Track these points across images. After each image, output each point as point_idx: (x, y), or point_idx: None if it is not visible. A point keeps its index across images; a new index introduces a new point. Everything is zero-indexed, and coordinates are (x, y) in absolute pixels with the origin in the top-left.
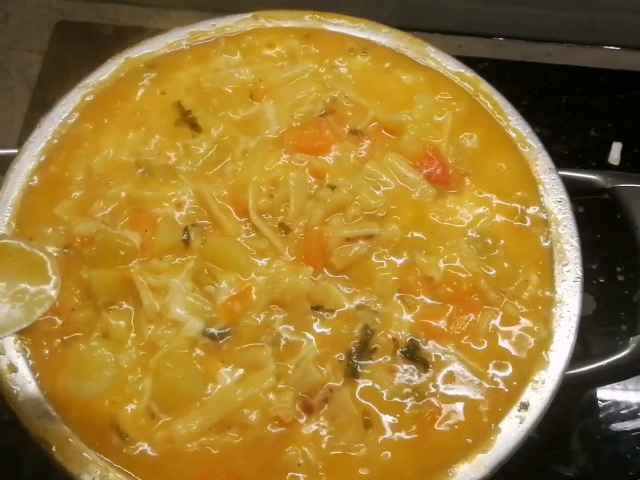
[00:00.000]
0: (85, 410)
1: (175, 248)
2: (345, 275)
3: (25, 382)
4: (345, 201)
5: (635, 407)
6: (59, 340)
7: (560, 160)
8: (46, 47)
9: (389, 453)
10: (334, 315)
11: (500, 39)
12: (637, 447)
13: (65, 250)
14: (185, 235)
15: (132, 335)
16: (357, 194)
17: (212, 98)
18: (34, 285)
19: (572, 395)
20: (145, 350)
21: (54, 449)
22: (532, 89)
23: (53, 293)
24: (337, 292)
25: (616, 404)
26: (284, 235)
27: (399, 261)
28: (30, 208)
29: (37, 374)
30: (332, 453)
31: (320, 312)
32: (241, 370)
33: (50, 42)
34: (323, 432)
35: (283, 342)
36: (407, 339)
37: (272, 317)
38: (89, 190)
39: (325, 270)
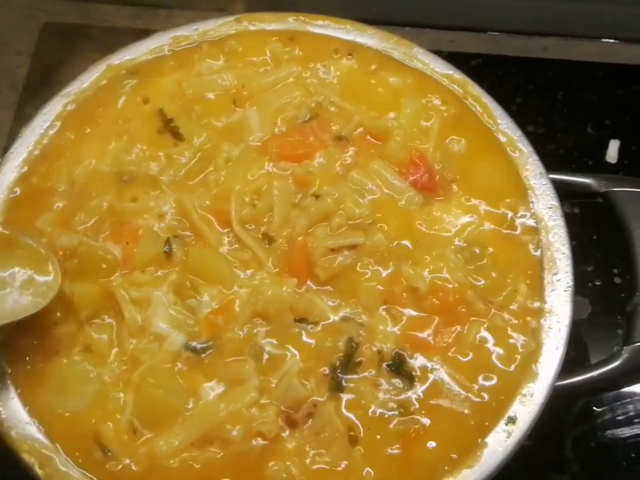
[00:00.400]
0: (68, 425)
1: (157, 260)
2: (329, 287)
3: (8, 398)
4: (329, 210)
5: (632, 414)
6: (40, 355)
7: (555, 160)
8: (33, 49)
9: (373, 470)
10: (319, 328)
11: (495, 33)
12: (633, 455)
13: None
14: (167, 247)
15: (115, 349)
16: (341, 202)
17: (194, 105)
18: (39, 277)
19: (567, 402)
20: (128, 365)
21: (37, 465)
22: (526, 85)
23: (56, 286)
24: (322, 303)
25: (612, 410)
26: (267, 245)
27: (385, 272)
28: (12, 220)
29: (19, 390)
30: (316, 468)
31: (304, 325)
32: (224, 385)
33: (38, 45)
34: (307, 447)
35: (266, 356)
36: (393, 352)
37: (255, 330)
38: (71, 202)
39: (309, 281)
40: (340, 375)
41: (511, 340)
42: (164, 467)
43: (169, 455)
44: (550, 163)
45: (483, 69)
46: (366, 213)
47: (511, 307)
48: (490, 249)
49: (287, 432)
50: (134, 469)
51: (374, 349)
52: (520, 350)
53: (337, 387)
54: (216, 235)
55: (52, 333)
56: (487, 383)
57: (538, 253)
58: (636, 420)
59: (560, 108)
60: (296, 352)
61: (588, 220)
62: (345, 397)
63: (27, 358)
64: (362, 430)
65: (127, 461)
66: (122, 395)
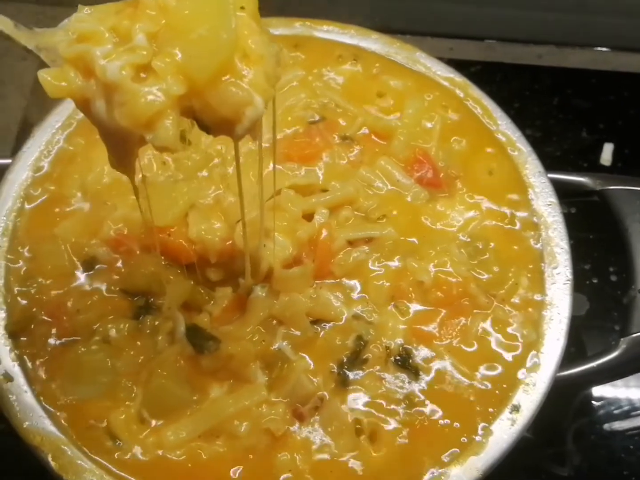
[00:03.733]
0: (79, 414)
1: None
2: (342, 280)
3: (21, 392)
4: (339, 202)
5: (630, 407)
6: (58, 343)
7: (551, 162)
8: None
9: (380, 459)
10: (330, 325)
11: (492, 41)
12: (631, 447)
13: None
14: None
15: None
16: (351, 196)
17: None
18: None
19: (567, 395)
20: (144, 356)
21: (50, 457)
22: (523, 91)
23: None
24: (338, 304)
25: (610, 403)
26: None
27: (393, 266)
28: (26, 226)
29: (34, 379)
30: (322, 460)
31: (317, 326)
32: (231, 382)
33: None
34: (314, 439)
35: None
36: (400, 347)
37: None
38: (89, 210)
39: (324, 279)
40: (346, 370)
41: (513, 332)
42: (170, 457)
43: (176, 446)
44: (548, 165)
45: (481, 76)
46: (374, 206)
47: (513, 299)
48: (492, 244)
49: (296, 425)
50: (142, 458)
51: (382, 345)
52: (522, 341)
53: (343, 382)
54: None
55: (73, 320)
56: (491, 372)
57: (538, 248)
58: (633, 413)
59: (555, 113)
60: (306, 355)
61: (584, 221)
62: (351, 391)
63: (45, 345)
64: (368, 423)
65: (135, 450)
66: (134, 385)
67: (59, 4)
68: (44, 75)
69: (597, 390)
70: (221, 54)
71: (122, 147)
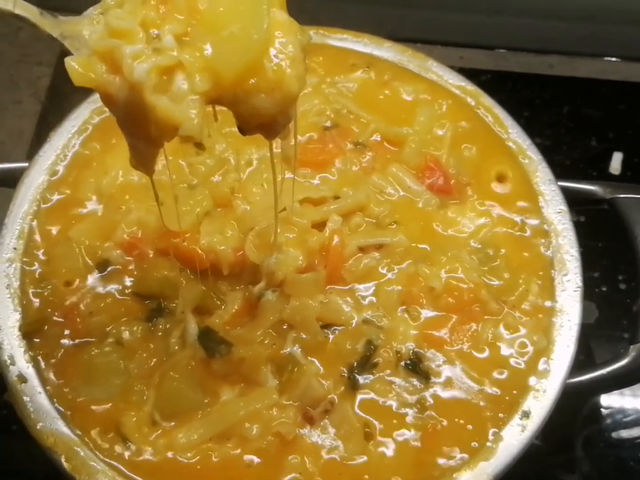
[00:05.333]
0: (91, 415)
1: None
2: (352, 286)
3: (35, 393)
4: (350, 209)
5: (638, 415)
6: (71, 344)
7: (561, 170)
8: (56, 60)
9: (390, 464)
10: (340, 329)
11: (502, 50)
12: None
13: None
14: None
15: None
16: (362, 202)
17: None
18: None
19: (576, 403)
20: (156, 358)
21: (62, 458)
22: (533, 100)
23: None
24: (348, 309)
25: (620, 411)
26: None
27: (404, 272)
28: (41, 230)
29: (48, 380)
30: (332, 463)
31: (327, 331)
32: (242, 385)
33: (60, 56)
34: (324, 443)
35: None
36: (410, 352)
37: (280, 340)
38: (103, 214)
39: (335, 284)
40: (357, 375)
41: (524, 338)
42: (181, 459)
43: (187, 448)
44: (557, 173)
45: (492, 84)
46: (386, 212)
47: (523, 306)
48: (503, 251)
49: (307, 428)
50: (153, 460)
51: (393, 349)
52: (532, 347)
53: (353, 386)
54: None
55: (86, 322)
56: (501, 378)
57: (548, 255)
58: None
59: (565, 122)
60: (316, 359)
61: (594, 229)
62: (361, 395)
63: (58, 346)
64: (378, 427)
65: (146, 452)
66: (146, 387)
67: (62, 9)
68: (71, 63)
69: (606, 399)
70: (250, 53)
71: (144, 147)
